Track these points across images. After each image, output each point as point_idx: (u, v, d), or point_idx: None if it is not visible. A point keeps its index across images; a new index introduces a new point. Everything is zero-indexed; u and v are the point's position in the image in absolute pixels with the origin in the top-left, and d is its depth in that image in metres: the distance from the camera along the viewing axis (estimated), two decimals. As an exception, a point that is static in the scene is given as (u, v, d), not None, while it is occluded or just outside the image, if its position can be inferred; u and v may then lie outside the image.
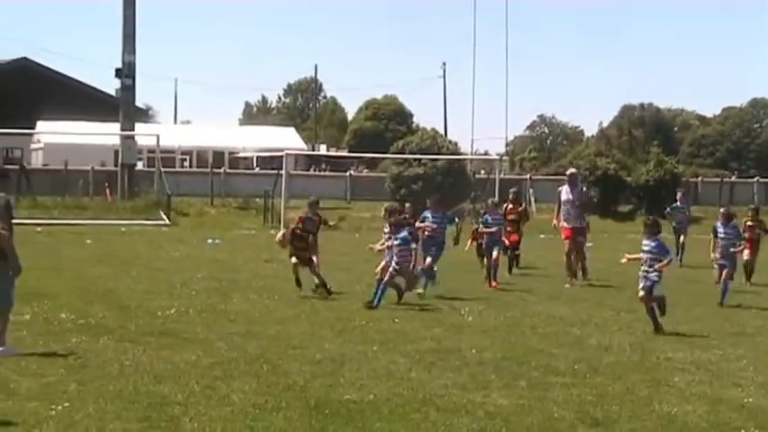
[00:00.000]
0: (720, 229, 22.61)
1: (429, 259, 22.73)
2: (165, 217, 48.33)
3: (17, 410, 10.95)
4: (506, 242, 27.07)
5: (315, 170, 78.13)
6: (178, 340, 15.75)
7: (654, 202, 56.33)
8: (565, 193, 26.43)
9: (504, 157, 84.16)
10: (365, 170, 77.10)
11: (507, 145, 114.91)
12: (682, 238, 33.00)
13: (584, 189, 27.51)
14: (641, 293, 18.03)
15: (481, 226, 25.58)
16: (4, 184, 14.34)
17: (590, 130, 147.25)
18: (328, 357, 14.49)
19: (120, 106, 57.08)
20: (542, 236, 42.43)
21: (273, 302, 20.54)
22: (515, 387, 13.05)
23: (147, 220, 47.18)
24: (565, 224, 26.21)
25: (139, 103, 72.84)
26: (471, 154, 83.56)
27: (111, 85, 67.53)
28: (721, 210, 24.00)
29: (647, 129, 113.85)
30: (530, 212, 31.01)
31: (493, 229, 24.94)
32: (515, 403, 12.09)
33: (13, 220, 14.21)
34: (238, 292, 20.31)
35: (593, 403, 12.23)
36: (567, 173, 27.98)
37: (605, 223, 53.74)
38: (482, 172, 63.41)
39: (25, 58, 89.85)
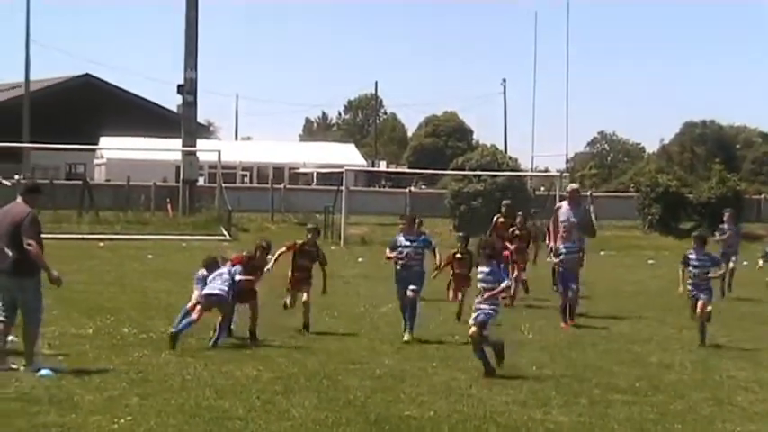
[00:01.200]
0: (692, 256, 19.09)
1: (410, 293, 18.36)
2: (225, 232, 48.56)
3: (80, 424, 11.03)
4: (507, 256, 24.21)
5: (375, 186, 78.18)
6: (239, 355, 15.83)
7: (715, 220, 55.74)
8: (565, 211, 23.36)
9: (565, 174, 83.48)
10: (424, 186, 76.99)
11: (567, 161, 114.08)
12: (732, 263, 28.00)
13: (587, 208, 25.14)
14: (472, 329, 14.87)
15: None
16: (34, 198, 14.27)
17: (651, 146, 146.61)
18: (388, 373, 14.48)
19: (182, 122, 57.56)
20: (602, 252, 42.23)
21: (333, 319, 20.56)
22: (576, 404, 12.96)
23: (208, 235, 47.40)
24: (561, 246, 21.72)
25: (201, 119, 73.27)
26: (531, 170, 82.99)
27: (173, 102, 68.23)
28: (694, 234, 20.67)
29: (709, 146, 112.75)
30: (533, 233, 26.18)
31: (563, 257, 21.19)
32: (576, 420, 12.01)
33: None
34: (298, 307, 20.35)
35: (654, 421, 12.12)
36: (568, 189, 24.86)
37: (666, 240, 53.32)
38: (542, 188, 63.19)
39: (88, 74, 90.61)
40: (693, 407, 13.06)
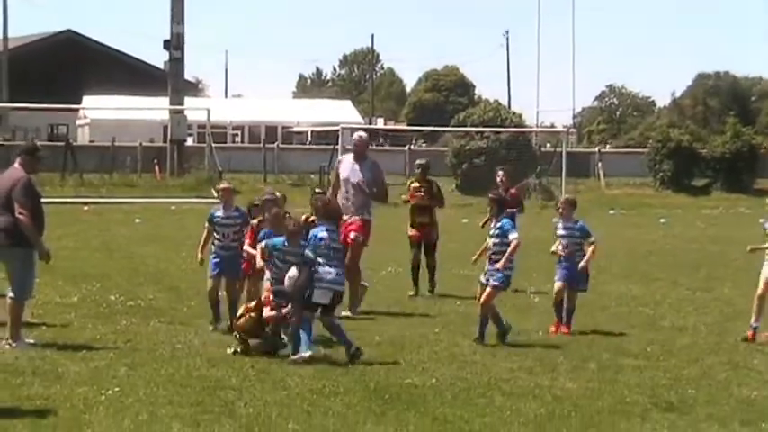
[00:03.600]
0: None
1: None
2: (216, 194, 48.03)
3: (66, 396, 10.75)
4: (413, 237, 19.37)
5: (372, 145, 77.56)
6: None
7: (730, 175, 55.35)
8: (347, 168, 17.43)
9: (572, 130, 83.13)
10: (424, 144, 76.32)
11: (574, 117, 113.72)
12: None
13: (377, 166, 17.71)
14: (484, 295, 14.26)
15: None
16: (29, 161, 13.59)
17: (662, 100, 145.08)
18: (388, 340, 14.12)
19: (169, 80, 56.75)
20: (612, 211, 41.88)
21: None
22: (585, 370, 12.70)
23: (198, 197, 46.61)
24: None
25: (189, 76, 72.64)
26: (536, 126, 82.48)
27: (159, 58, 67.11)
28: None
29: (723, 98, 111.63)
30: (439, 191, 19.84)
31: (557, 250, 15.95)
32: (585, 386, 11.76)
33: (43, 200, 13.69)
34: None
35: (667, 387, 11.89)
36: (353, 138, 18.03)
37: (679, 198, 52.99)
38: (548, 145, 62.58)
39: (70, 31, 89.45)
40: (708, 371, 12.80)
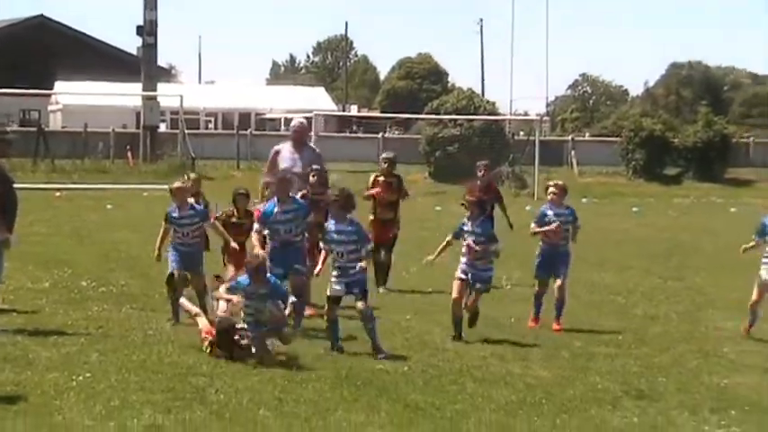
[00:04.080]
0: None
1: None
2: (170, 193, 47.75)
3: (36, 382, 10.67)
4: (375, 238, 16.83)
5: (346, 132, 77.35)
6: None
7: (702, 165, 55.49)
8: (288, 156, 16.31)
9: (545, 118, 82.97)
10: (398, 132, 76.20)
11: (548, 105, 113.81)
12: None
13: (317, 152, 16.97)
14: (472, 296, 13.79)
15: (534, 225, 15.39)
16: (2, 146, 13.48)
17: (635, 89, 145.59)
18: (360, 327, 14.00)
19: (142, 66, 56.22)
20: (584, 200, 41.97)
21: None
22: (557, 358, 12.73)
23: (171, 184, 46.60)
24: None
25: (162, 62, 71.74)
26: (510, 114, 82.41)
27: (132, 44, 66.37)
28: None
29: (696, 88, 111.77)
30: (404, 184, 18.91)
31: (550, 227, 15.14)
32: (557, 374, 11.80)
33: (15, 185, 13.58)
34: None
35: (638, 375, 11.93)
36: (293, 125, 17.18)
37: (651, 187, 53.07)
38: (521, 133, 62.41)
39: (42, 16, 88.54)
40: (679, 359, 12.86)
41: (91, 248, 23.11)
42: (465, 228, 13.76)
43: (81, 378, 10.85)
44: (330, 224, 12.86)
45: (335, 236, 12.71)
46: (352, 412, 9.93)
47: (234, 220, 14.95)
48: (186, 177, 15.91)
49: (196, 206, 14.69)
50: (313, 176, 15.57)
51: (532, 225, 15.09)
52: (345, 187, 13.56)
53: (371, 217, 18.32)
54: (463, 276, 13.68)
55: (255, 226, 13.93)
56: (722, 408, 10.50)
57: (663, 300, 17.71)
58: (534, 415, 10.06)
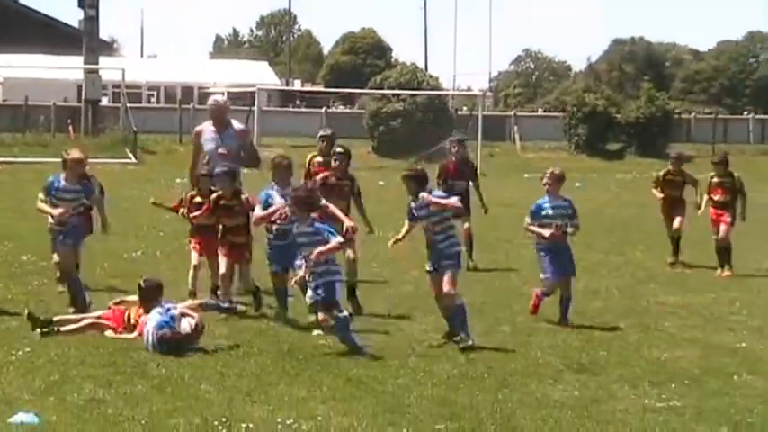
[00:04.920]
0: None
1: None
2: (131, 155, 47.54)
3: (-25, 356, 10.55)
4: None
5: (289, 107, 77.04)
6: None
7: (644, 140, 55.76)
8: (210, 137, 15.58)
9: (488, 93, 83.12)
10: (341, 107, 76.00)
11: (491, 80, 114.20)
12: None
13: (241, 129, 16.61)
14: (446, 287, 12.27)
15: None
16: None
17: (578, 65, 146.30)
18: (302, 301, 13.90)
19: (84, 39, 55.44)
20: (527, 175, 42.07)
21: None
22: (498, 332, 12.75)
23: (113, 158, 45.91)
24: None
25: (104, 35, 71.03)
26: (453, 89, 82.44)
27: (73, 17, 65.70)
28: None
29: (638, 64, 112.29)
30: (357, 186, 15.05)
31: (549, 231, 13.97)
32: (498, 348, 11.79)
33: None
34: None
35: (579, 349, 11.97)
36: (210, 102, 16.77)
37: (593, 162, 53.24)
38: (464, 108, 62.49)
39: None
40: (620, 333, 12.94)
41: (32, 222, 22.60)
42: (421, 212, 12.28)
43: (21, 353, 10.79)
44: (293, 226, 11.96)
45: (299, 239, 11.81)
46: (294, 386, 9.92)
47: (223, 202, 13.92)
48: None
49: (87, 182, 14.35)
50: (335, 161, 14.71)
51: (527, 220, 14.03)
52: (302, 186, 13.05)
53: None
54: (430, 268, 12.41)
55: (257, 211, 13.21)
56: (662, 381, 10.57)
57: (604, 274, 17.76)
58: (476, 389, 10.08)
